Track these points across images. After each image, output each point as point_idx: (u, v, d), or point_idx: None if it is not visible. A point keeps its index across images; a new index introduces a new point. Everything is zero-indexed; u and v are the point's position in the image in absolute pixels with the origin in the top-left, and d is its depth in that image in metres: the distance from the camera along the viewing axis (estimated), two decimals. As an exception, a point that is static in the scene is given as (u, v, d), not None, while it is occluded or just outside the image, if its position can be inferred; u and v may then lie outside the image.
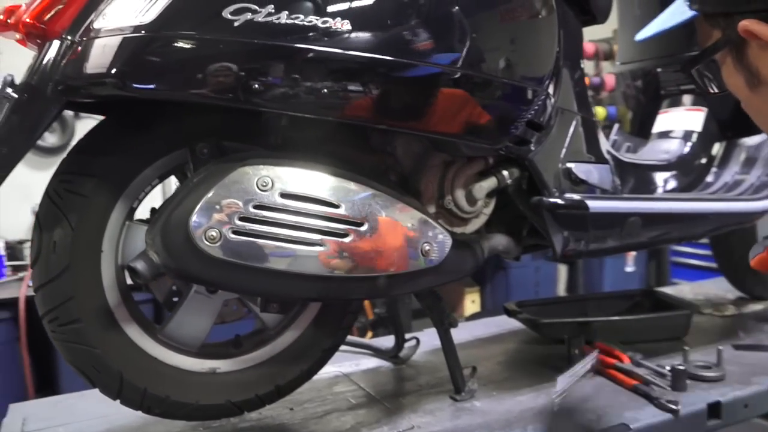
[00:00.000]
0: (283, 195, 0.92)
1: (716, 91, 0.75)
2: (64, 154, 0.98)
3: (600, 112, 4.68)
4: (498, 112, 1.04)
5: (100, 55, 0.85)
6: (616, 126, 2.03)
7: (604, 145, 1.37)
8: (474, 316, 3.67)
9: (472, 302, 4.22)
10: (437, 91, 0.97)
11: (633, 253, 4.33)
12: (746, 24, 0.64)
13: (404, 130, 1.03)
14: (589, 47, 4.60)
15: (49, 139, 3.26)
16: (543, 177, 1.17)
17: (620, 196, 1.30)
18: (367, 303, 2.73)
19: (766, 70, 0.66)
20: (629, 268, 4.40)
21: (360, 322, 2.94)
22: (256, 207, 0.90)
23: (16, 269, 3.06)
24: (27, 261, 3.07)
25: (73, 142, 3.48)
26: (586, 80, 4.60)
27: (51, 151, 3.20)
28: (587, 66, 4.81)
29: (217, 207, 0.89)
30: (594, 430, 1.11)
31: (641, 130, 1.90)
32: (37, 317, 2.88)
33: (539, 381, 1.34)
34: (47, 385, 2.82)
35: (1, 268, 2.96)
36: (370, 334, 3.08)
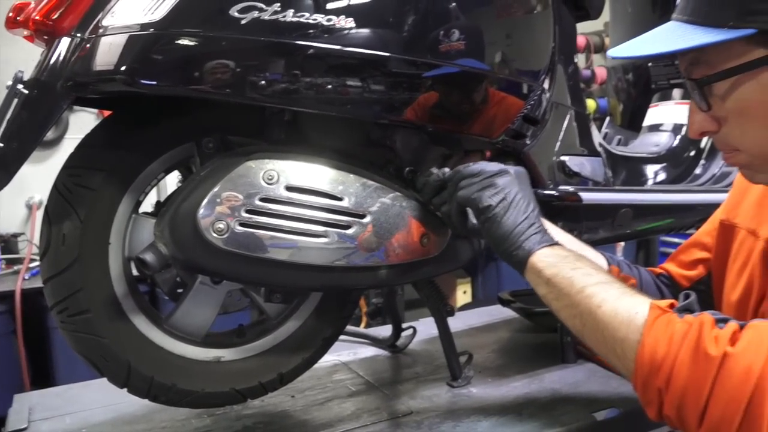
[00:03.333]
0: (289, 188, 0.95)
1: (706, 109, 0.81)
2: (58, 148, 1.01)
3: (591, 104, 4.72)
4: (496, 108, 1.07)
5: (109, 53, 0.87)
6: (607, 119, 2.08)
7: (597, 138, 1.41)
8: (465, 307, 3.72)
9: (463, 293, 4.27)
10: (437, 86, 1.01)
11: (622, 244, 4.39)
12: None
13: (406, 125, 1.06)
14: (580, 40, 4.62)
15: (42, 131, 3.25)
16: (538, 170, 1.20)
17: (612, 188, 1.34)
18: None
19: None
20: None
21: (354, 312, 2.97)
22: (262, 200, 0.93)
23: (11, 262, 3.06)
24: (22, 254, 3.07)
25: (67, 136, 3.46)
26: (577, 73, 4.57)
27: (45, 145, 3.20)
28: (579, 59, 4.85)
29: (224, 200, 0.92)
30: (586, 414, 1.15)
31: (632, 123, 1.94)
32: (32, 310, 2.89)
33: (533, 368, 1.38)
34: (43, 377, 2.84)
35: (-4, 261, 2.97)
36: (363, 323, 3.12)
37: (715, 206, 1.52)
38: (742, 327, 0.69)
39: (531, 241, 0.88)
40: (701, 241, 1.08)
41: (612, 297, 0.78)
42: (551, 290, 0.84)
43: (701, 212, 1.60)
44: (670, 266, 1.13)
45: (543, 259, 0.86)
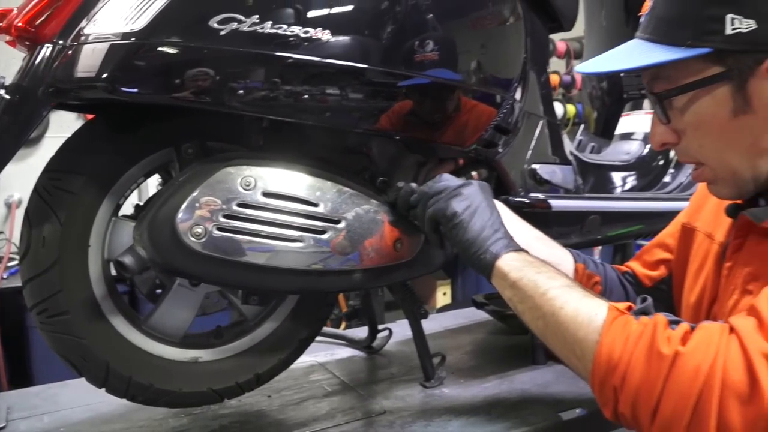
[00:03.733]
0: (265, 194, 0.97)
1: (665, 122, 0.86)
2: (38, 146, 1.02)
3: (570, 109, 4.80)
4: (468, 118, 1.11)
5: (91, 60, 0.89)
6: (582, 127, 2.13)
7: (568, 146, 1.45)
8: (445, 308, 3.76)
9: (443, 294, 4.32)
10: (410, 97, 1.04)
11: (599, 247, 4.46)
12: None
13: (381, 134, 1.09)
14: (560, 45, 4.70)
15: (22, 130, 3.23)
16: (509, 177, 1.25)
17: (581, 195, 1.39)
18: (341, 296, 2.79)
19: (759, 99, 0.78)
20: (596, 262, 4.52)
21: (334, 314, 3.00)
22: (239, 205, 0.96)
23: (-11, 261, 3.04)
24: (0, 253, 3.05)
25: (48, 135, 3.42)
26: (557, 78, 4.66)
27: (25, 143, 3.19)
28: (559, 64, 4.92)
29: (203, 205, 0.94)
30: (553, 414, 1.19)
31: (605, 130, 1.99)
32: (10, 309, 2.87)
33: (504, 369, 1.42)
34: (21, 376, 2.83)
35: (-26, 259, 2.94)
36: (344, 325, 3.14)
37: (680, 213, 1.58)
38: (693, 329, 0.73)
39: (497, 245, 0.91)
40: (664, 242, 1.13)
41: (574, 299, 0.81)
42: (516, 293, 0.87)
43: (670, 219, 1.66)
44: (634, 265, 1.17)
45: (509, 263, 0.89)
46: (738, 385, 0.66)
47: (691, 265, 1.01)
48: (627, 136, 1.82)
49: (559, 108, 4.81)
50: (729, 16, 0.76)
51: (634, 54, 0.85)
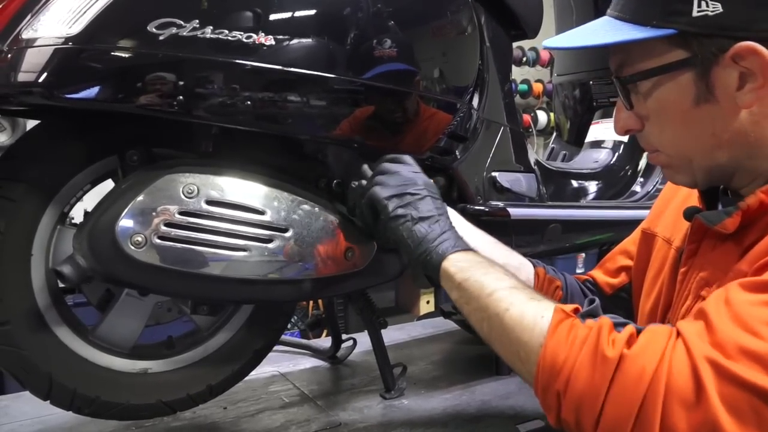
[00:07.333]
0: (209, 202, 0.95)
1: (628, 107, 0.82)
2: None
3: (554, 117, 4.80)
4: (421, 125, 1.09)
5: (29, 65, 0.87)
6: (554, 135, 2.13)
7: (532, 154, 1.44)
8: (428, 316, 3.74)
9: (426, 303, 4.30)
10: (364, 104, 1.03)
11: (583, 255, 4.43)
12: (750, 45, 0.71)
13: (336, 142, 1.07)
14: (544, 54, 4.71)
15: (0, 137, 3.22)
16: (468, 185, 1.23)
17: (542, 203, 1.37)
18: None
19: (722, 88, 0.74)
20: (579, 270, 4.52)
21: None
22: (181, 213, 0.94)
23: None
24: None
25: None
26: (541, 87, 4.66)
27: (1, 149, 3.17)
28: (543, 73, 4.93)
29: (143, 213, 0.92)
30: (511, 427, 1.17)
31: (578, 138, 1.98)
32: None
33: (467, 380, 1.40)
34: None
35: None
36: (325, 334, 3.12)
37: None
38: (639, 331, 0.70)
39: (443, 246, 0.88)
40: (626, 249, 1.11)
41: (519, 301, 0.77)
42: (462, 294, 0.84)
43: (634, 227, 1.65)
44: (596, 273, 1.15)
45: (455, 263, 0.86)
46: (683, 390, 0.63)
47: (649, 272, 0.98)
48: (597, 144, 1.81)
49: (542, 116, 4.82)
50: None
51: (600, 32, 0.81)
